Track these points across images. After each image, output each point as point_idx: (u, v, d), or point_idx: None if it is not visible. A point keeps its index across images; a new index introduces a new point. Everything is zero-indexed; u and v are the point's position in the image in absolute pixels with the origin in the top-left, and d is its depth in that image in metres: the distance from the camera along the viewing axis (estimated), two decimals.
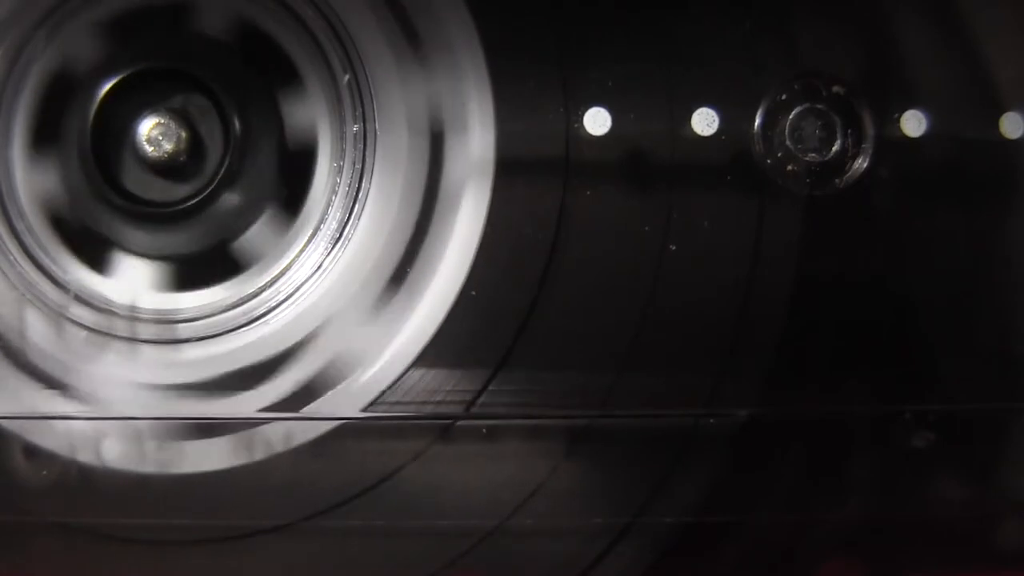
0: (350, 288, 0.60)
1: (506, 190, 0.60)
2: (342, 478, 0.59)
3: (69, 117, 0.60)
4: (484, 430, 0.60)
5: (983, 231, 0.61)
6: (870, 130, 0.60)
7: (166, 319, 0.61)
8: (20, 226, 0.61)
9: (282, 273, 0.61)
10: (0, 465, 0.58)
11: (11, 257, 0.60)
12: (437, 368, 0.60)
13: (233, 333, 0.61)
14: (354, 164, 0.61)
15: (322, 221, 0.61)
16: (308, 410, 0.59)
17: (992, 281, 0.62)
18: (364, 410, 0.60)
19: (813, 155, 0.60)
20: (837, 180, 0.60)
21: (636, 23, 0.60)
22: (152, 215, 0.61)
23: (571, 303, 0.60)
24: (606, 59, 0.60)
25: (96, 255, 0.61)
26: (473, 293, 0.60)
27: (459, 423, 0.60)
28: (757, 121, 0.60)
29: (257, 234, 0.62)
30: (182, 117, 0.61)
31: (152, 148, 0.60)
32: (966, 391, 0.61)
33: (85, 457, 0.58)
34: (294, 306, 0.61)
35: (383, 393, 0.60)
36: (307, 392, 0.60)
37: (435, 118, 0.60)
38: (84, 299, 0.60)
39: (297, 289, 0.61)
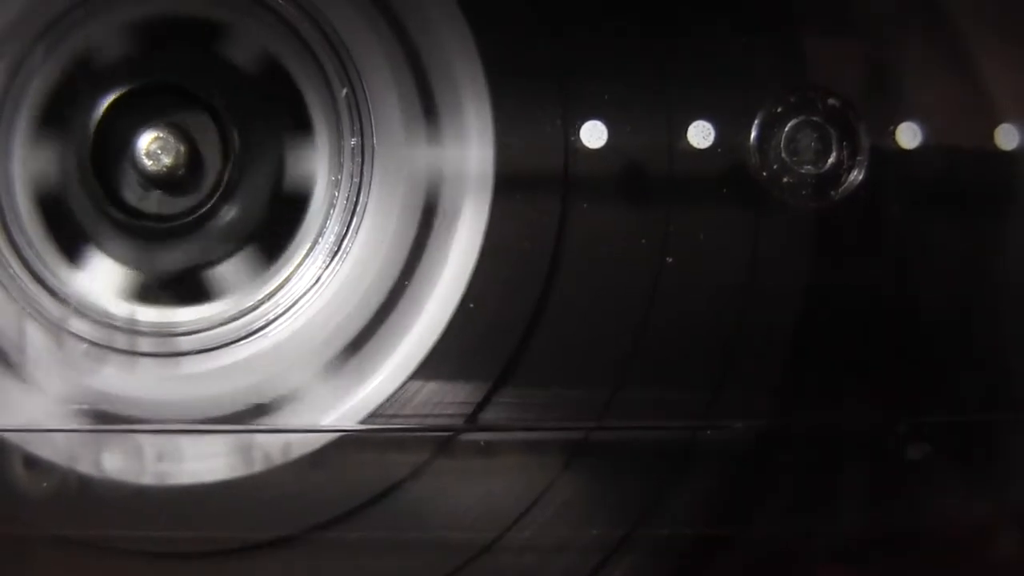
0: (349, 301, 0.61)
1: (504, 203, 0.60)
2: (341, 491, 0.59)
3: (70, 130, 0.61)
4: (483, 443, 0.60)
5: (979, 242, 0.62)
6: (865, 142, 0.60)
7: (165, 332, 0.61)
8: (20, 240, 0.61)
9: (280, 286, 0.61)
10: (0, 476, 0.58)
11: (11, 271, 0.61)
12: (436, 381, 0.60)
13: (232, 346, 0.61)
14: (352, 178, 0.61)
15: (320, 234, 0.61)
16: (307, 422, 0.59)
17: (988, 292, 0.62)
18: (363, 423, 0.60)
19: (809, 167, 0.60)
20: (833, 192, 0.60)
21: (632, 37, 0.60)
22: (151, 229, 0.62)
23: (569, 316, 0.60)
24: (603, 72, 0.60)
25: (95, 268, 0.61)
26: (472, 306, 0.60)
27: (458, 436, 0.60)
28: (753, 134, 0.60)
29: (255, 247, 0.62)
30: (181, 131, 0.61)
31: (151, 162, 0.61)
32: (963, 402, 0.61)
33: (85, 469, 0.58)
34: (293, 319, 0.61)
35: (382, 406, 0.60)
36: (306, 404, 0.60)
37: (433, 132, 0.60)
38: (84, 312, 0.60)
39: (295, 302, 0.61)
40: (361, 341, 0.60)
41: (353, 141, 0.61)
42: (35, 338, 0.60)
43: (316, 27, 0.61)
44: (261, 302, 0.61)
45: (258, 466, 0.59)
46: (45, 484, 0.58)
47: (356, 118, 0.61)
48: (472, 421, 0.60)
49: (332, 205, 0.61)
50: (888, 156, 0.60)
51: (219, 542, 0.59)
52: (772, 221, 0.60)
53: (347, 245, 0.61)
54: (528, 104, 0.60)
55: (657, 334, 0.60)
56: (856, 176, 0.60)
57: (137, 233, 0.62)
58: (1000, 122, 0.61)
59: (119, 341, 0.60)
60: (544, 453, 0.60)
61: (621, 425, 0.60)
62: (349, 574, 0.60)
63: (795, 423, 0.61)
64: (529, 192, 0.60)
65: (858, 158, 0.60)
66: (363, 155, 0.61)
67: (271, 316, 0.61)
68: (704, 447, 0.60)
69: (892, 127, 0.61)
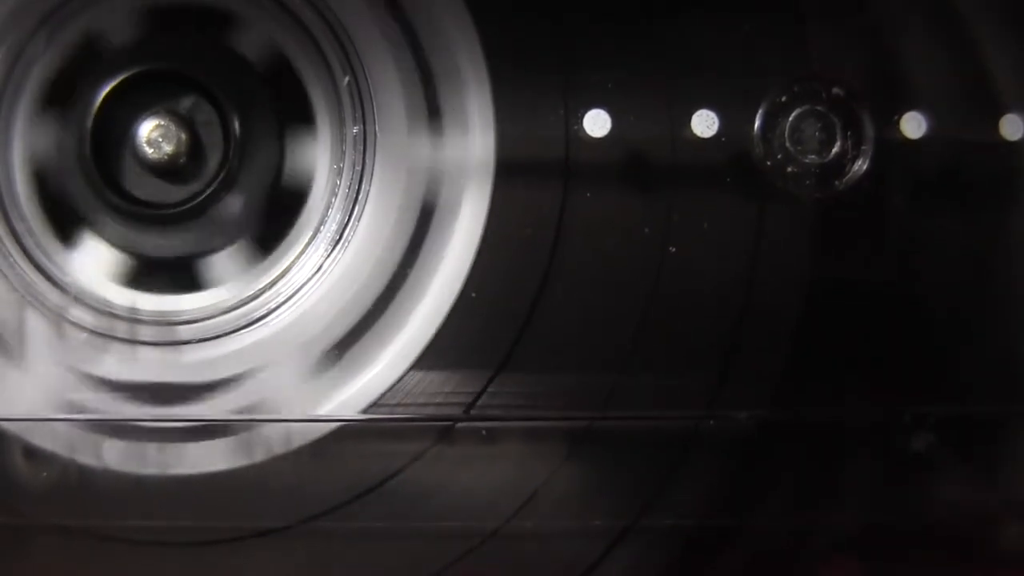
0: (350, 290, 0.60)
1: (506, 192, 0.60)
2: (342, 480, 0.59)
3: (70, 119, 0.61)
4: (484, 432, 0.60)
5: (983, 233, 0.61)
6: (870, 132, 0.60)
7: (166, 321, 0.61)
8: (20, 228, 0.61)
9: (282, 275, 0.61)
10: (0, 466, 0.58)
11: (11, 259, 0.60)
12: (437, 370, 0.60)
13: (233, 335, 0.61)
14: (354, 166, 0.61)
15: (322, 223, 0.61)
16: (308, 411, 0.59)
17: (992, 283, 0.62)
18: (364, 412, 0.60)
19: (813, 157, 0.60)
20: (837, 182, 0.60)
21: (636, 25, 0.60)
22: (152, 217, 0.61)
23: (571, 305, 0.60)
24: (606, 61, 0.60)
25: (96, 256, 0.61)
26: (473, 295, 0.60)
27: (459, 425, 0.60)
28: (757, 123, 0.60)
29: (256, 236, 0.62)
30: (182, 119, 0.61)
31: (152, 150, 0.60)
32: (967, 393, 0.61)
33: (85, 458, 0.58)
34: (294, 308, 0.61)
35: (383, 395, 0.60)
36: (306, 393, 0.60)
37: (435, 120, 0.60)
38: (84, 301, 0.60)
39: (297, 291, 0.61)
40: (362, 330, 0.60)
41: (355, 129, 0.61)
42: (35, 326, 0.60)
43: (318, 15, 0.61)
44: (262, 291, 0.61)
45: (259, 456, 0.59)
46: (45, 474, 0.58)
47: (358, 106, 0.61)
48: (473, 410, 0.60)
49: (334, 194, 0.61)
50: (892, 146, 0.60)
51: (220, 532, 0.59)
52: (775, 211, 0.60)
53: (348, 234, 0.61)
54: (530, 92, 0.60)
55: (659, 324, 0.60)
56: (860, 166, 0.60)
57: (138, 221, 0.61)
58: (1005, 112, 0.60)
59: (119, 329, 0.60)
60: (545, 442, 0.60)
61: (623, 415, 0.60)
62: (350, 563, 0.60)
63: (799, 414, 0.60)
64: (531, 181, 0.60)
65: (862, 148, 0.60)
66: (365, 143, 0.61)
67: (272, 305, 0.61)
68: (707, 438, 0.60)
69: (897, 117, 0.60)
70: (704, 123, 0.60)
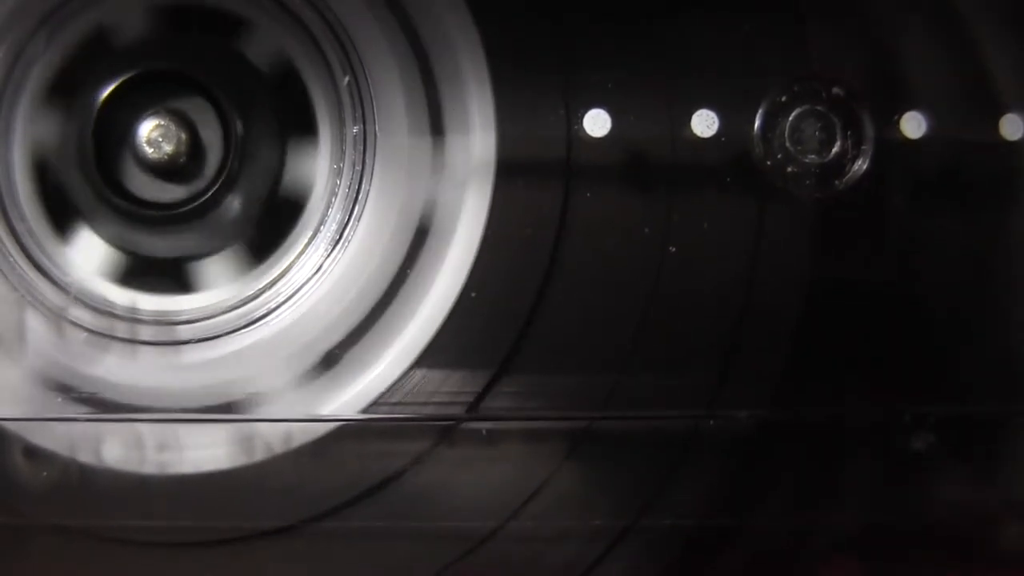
0: (350, 290, 0.60)
1: (507, 192, 0.60)
2: (342, 480, 0.59)
3: (70, 119, 0.61)
4: (485, 432, 0.60)
5: (983, 233, 0.61)
6: (870, 132, 0.60)
7: (166, 321, 0.61)
8: (20, 228, 0.61)
9: (282, 275, 0.61)
10: (0, 466, 0.58)
11: (11, 259, 0.60)
12: (437, 370, 0.60)
13: (233, 335, 0.60)
14: (354, 166, 0.61)
15: (322, 223, 0.61)
16: (308, 411, 0.59)
17: (992, 283, 0.62)
18: (364, 412, 0.60)
19: (813, 157, 0.60)
20: (837, 182, 0.60)
21: (636, 25, 0.60)
22: (152, 217, 0.61)
23: (571, 305, 0.60)
24: (606, 61, 0.60)
25: (96, 256, 0.61)
26: (474, 295, 0.60)
27: (460, 425, 0.60)
28: (757, 123, 0.60)
29: (256, 236, 0.62)
30: (182, 119, 0.61)
31: (152, 150, 0.60)
32: (967, 393, 0.61)
33: (85, 458, 0.58)
34: (294, 308, 0.61)
35: (383, 395, 0.60)
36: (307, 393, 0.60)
37: (436, 120, 0.60)
38: (84, 300, 0.60)
39: (297, 291, 0.61)
40: (362, 330, 0.60)
41: (355, 129, 0.61)
42: (35, 326, 0.60)
43: (319, 15, 0.61)
44: (262, 291, 0.61)
45: (259, 455, 0.59)
46: (45, 473, 0.58)
47: (358, 106, 0.61)
48: (474, 410, 0.60)
49: (334, 193, 0.61)
50: (892, 146, 0.60)
51: (220, 531, 0.59)
52: (775, 211, 0.60)
53: (348, 234, 0.61)
54: (531, 92, 0.60)
55: (660, 324, 0.60)
56: (860, 166, 0.60)
57: (138, 221, 0.61)
58: (1005, 112, 0.61)
59: (119, 329, 0.60)
60: (546, 442, 0.60)
61: (623, 415, 0.60)
62: (350, 563, 0.60)
63: (799, 414, 0.60)
64: (531, 181, 0.60)
65: (862, 148, 0.60)
66: (365, 143, 0.61)
67: (272, 305, 0.61)
68: (707, 438, 0.60)
69: (897, 117, 0.60)
70: (704, 123, 0.60)
